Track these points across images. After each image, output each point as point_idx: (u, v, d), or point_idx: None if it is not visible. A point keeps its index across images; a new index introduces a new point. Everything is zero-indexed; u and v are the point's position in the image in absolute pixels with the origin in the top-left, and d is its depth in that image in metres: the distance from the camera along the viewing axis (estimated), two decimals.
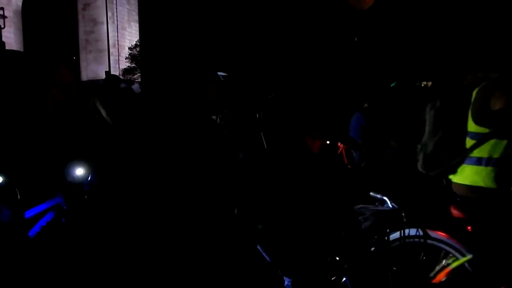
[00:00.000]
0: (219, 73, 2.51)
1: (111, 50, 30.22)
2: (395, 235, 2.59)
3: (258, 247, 2.60)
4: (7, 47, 14.21)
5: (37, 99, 2.60)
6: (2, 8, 17.83)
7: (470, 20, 20.30)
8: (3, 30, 14.30)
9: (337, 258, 2.53)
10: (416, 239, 2.53)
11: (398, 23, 21.62)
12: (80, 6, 34.48)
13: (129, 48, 31.56)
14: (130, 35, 35.75)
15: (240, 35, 22.58)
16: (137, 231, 2.23)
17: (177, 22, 28.72)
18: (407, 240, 2.54)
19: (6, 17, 17.56)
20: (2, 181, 2.39)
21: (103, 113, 5.90)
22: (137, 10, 37.56)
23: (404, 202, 2.60)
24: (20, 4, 29.77)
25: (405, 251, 2.53)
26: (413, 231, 2.55)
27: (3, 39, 13.90)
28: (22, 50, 26.40)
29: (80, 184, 3.06)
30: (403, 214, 2.56)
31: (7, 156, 2.38)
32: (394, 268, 2.64)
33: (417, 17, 21.90)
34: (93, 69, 32.79)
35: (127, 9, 36.32)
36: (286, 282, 2.81)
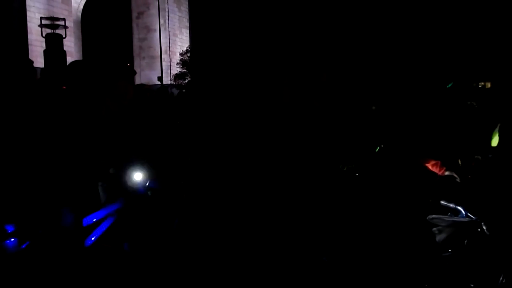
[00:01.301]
0: None
1: (163, 56, 31.12)
2: None
3: (324, 258, 2.46)
4: (67, 55, 15.01)
5: (94, 108, 2.64)
6: (64, 19, 18.89)
7: None
8: (64, 40, 15.13)
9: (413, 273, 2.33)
10: None
11: (457, 16, 20.51)
12: (134, 14, 35.91)
13: (180, 54, 32.32)
14: (181, 41, 36.69)
15: (304, 39, 22.17)
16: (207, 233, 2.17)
17: (227, 28, 29.05)
18: None
19: (67, 27, 18.57)
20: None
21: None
22: (188, 17, 38.48)
23: (484, 212, 2.35)
24: (80, 15, 31.42)
25: None
26: None
27: (64, 48, 14.70)
28: (81, 57, 27.82)
29: (137, 188, 3.05)
30: (483, 226, 2.32)
31: (73, 162, 2.39)
32: (472, 285, 2.39)
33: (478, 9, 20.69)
34: (146, 74, 33.93)
35: (178, 16, 37.32)
36: None
